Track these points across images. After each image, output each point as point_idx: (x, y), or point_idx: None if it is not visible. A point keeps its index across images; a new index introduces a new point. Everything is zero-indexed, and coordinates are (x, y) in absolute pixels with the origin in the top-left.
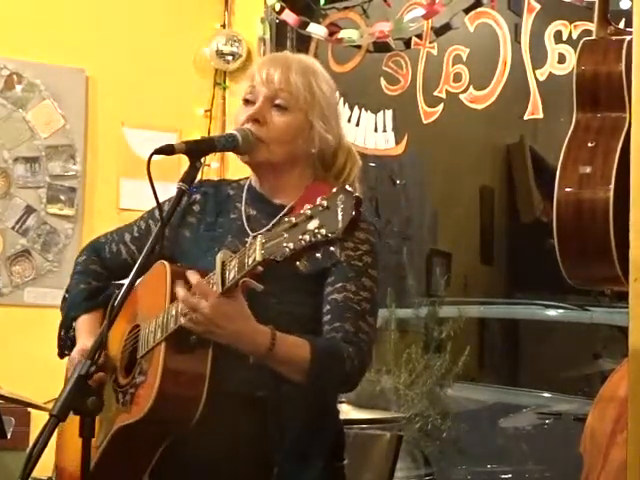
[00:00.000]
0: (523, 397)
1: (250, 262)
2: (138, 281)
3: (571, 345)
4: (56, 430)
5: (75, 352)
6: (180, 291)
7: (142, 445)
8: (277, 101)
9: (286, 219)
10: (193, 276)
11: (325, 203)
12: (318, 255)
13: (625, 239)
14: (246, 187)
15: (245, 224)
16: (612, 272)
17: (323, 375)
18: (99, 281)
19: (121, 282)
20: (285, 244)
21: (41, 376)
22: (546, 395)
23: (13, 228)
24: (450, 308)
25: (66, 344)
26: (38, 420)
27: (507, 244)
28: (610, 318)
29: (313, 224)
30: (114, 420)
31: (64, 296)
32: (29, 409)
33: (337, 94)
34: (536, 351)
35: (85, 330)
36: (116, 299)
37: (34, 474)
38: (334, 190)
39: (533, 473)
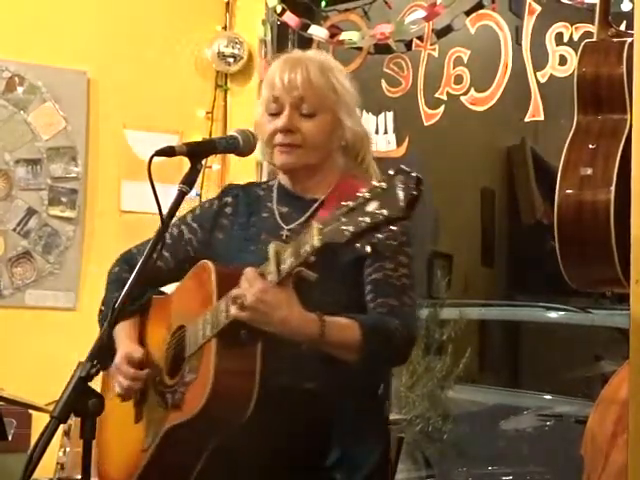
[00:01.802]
0: (524, 399)
1: (308, 249)
2: (175, 286)
3: (572, 347)
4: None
5: (117, 359)
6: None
7: (194, 443)
8: (304, 110)
9: (343, 203)
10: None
11: (384, 185)
12: (380, 236)
13: (626, 241)
14: (276, 187)
15: (279, 220)
16: (613, 274)
17: (376, 352)
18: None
19: (160, 289)
20: (344, 227)
21: (42, 378)
22: (547, 397)
23: (14, 230)
24: (451, 310)
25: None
26: (39, 422)
27: (508, 246)
28: (611, 320)
29: (372, 206)
30: (164, 421)
31: (100, 309)
32: (30, 411)
33: (350, 79)
34: (537, 353)
35: (124, 336)
36: (116, 302)
37: (35, 476)
38: (391, 172)
39: (534, 475)
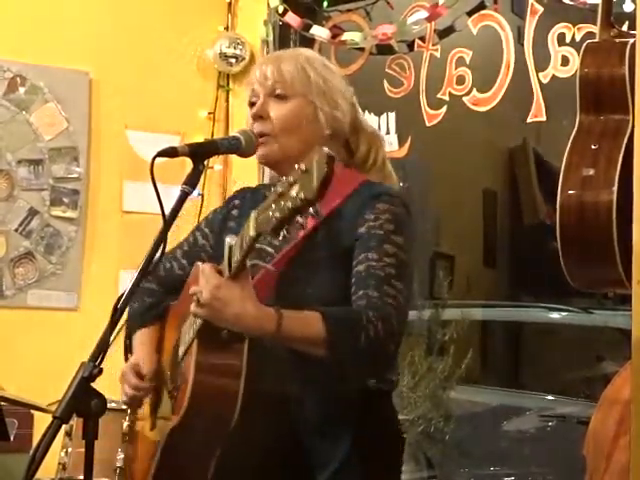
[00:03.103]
0: (526, 400)
1: (247, 240)
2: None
3: (574, 348)
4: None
5: (125, 367)
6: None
7: (194, 448)
8: (276, 92)
9: (272, 189)
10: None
11: (304, 167)
12: (299, 219)
13: (628, 241)
14: None
15: None
16: (615, 274)
17: (343, 343)
18: (153, 297)
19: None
20: (272, 214)
21: (44, 378)
22: (549, 398)
23: (16, 230)
24: (453, 311)
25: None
26: (41, 422)
27: (510, 247)
28: (613, 321)
29: (295, 190)
30: (167, 425)
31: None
32: (32, 411)
33: (342, 79)
34: (539, 354)
35: (138, 344)
36: (120, 301)
37: (37, 476)
38: (312, 153)
39: (536, 476)
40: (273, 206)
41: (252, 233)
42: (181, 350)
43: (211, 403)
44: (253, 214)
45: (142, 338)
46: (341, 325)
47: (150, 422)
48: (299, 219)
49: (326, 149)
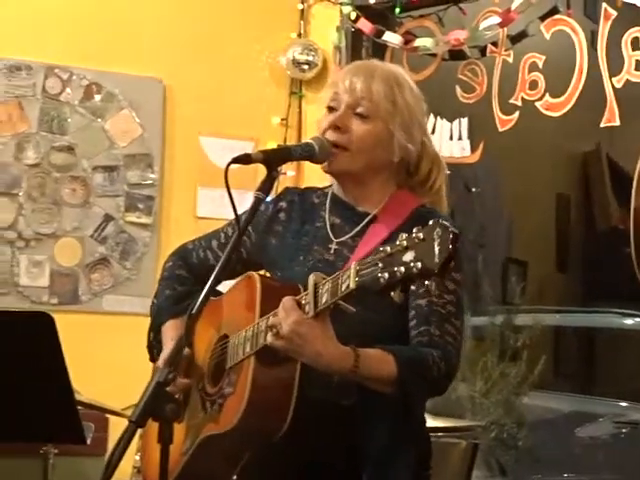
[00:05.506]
0: (599, 406)
1: (344, 289)
2: (224, 289)
3: None
4: (139, 436)
5: (160, 360)
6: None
7: (228, 453)
8: (358, 109)
9: (381, 248)
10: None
11: (421, 235)
12: (413, 288)
13: None
14: (330, 195)
15: (329, 232)
16: None
17: (411, 386)
18: (185, 286)
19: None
20: (380, 274)
21: (119, 382)
22: (623, 404)
23: (92, 236)
24: (526, 316)
25: (156, 349)
26: (116, 426)
27: (583, 252)
28: None
29: (409, 256)
30: (201, 428)
31: (152, 301)
32: (107, 415)
33: (423, 103)
34: (612, 360)
35: (170, 337)
36: (193, 308)
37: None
38: (430, 222)
39: None
40: (380, 265)
41: (353, 286)
42: (231, 359)
43: (262, 420)
44: (354, 266)
45: (175, 329)
46: (411, 367)
47: None
48: (412, 287)
49: (448, 224)
